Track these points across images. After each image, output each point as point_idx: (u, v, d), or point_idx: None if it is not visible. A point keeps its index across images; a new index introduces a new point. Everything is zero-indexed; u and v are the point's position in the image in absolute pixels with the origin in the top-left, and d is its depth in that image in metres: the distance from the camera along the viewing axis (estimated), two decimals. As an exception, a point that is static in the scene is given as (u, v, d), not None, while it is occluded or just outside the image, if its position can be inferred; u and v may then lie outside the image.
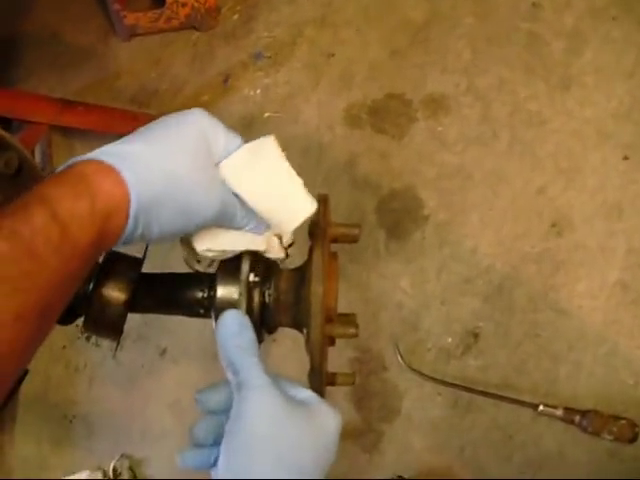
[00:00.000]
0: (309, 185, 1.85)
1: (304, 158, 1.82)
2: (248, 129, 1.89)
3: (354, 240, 0.81)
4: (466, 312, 1.66)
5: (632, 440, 1.49)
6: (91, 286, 0.72)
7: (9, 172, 0.76)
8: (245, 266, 0.73)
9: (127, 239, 0.59)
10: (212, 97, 1.94)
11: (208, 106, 1.94)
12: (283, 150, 0.70)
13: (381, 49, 1.84)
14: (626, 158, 1.62)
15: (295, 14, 1.93)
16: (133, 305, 0.75)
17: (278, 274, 0.77)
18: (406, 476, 1.62)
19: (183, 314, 0.79)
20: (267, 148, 0.70)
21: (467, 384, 1.62)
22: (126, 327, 2.04)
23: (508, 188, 1.68)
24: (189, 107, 1.92)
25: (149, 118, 1.92)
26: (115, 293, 0.74)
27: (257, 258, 0.75)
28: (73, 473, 1.79)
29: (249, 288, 0.73)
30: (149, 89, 2.01)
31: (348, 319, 0.95)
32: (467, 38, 1.78)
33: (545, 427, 1.57)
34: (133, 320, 2.00)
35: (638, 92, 1.64)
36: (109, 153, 0.59)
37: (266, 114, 1.89)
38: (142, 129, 0.64)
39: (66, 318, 0.73)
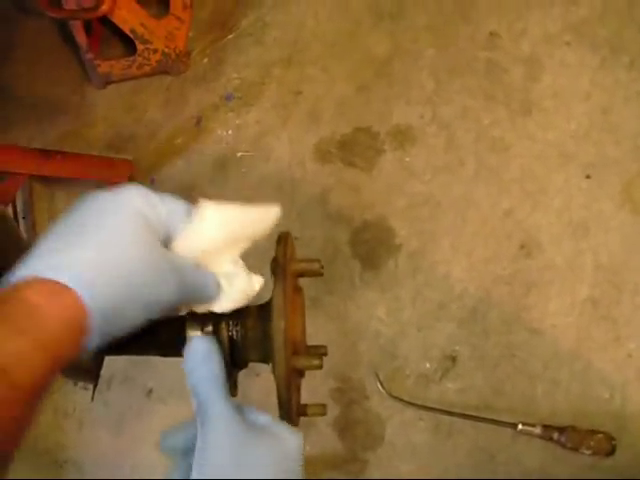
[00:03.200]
0: (285, 221, 1.88)
1: (278, 195, 1.86)
2: (222, 169, 1.93)
3: (318, 274, 0.84)
4: (442, 337, 1.69)
5: (610, 453, 1.52)
6: None
7: None
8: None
9: (91, 351, 0.55)
10: (186, 140, 1.99)
11: (182, 149, 1.99)
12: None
13: (347, 85, 1.89)
14: (588, 177, 1.66)
15: (262, 55, 1.98)
16: (109, 350, 0.77)
17: (245, 311, 0.80)
18: (393, 503, 1.64)
19: (157, 354, 0.81)
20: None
21: (447, 408, 1.64)
22: (112, 368, 2.06)
23: (476, 213, 1.72)
24: (164, 151, 1.96)
25: (125, 164, 1.98)
26: None
27: None
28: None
29: (215, 327, 0.76)
30: (125, 135, 2.06)
31: (317, 350, 0.98)
32: (429, 69, 1.83)
33: (525, 446, 1.59)
34: (119, 361, 2.02)
35: (595, 113, 1.69)
36: (52, 267, 0.53)
37: (239, 154, 1.93)
38: (71, 224, 0.57)
39: None
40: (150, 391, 1.87)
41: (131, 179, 2.00)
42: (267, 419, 0.67)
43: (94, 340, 0.54)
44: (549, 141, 1.71)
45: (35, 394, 0.50)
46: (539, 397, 1.61)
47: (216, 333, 0.76)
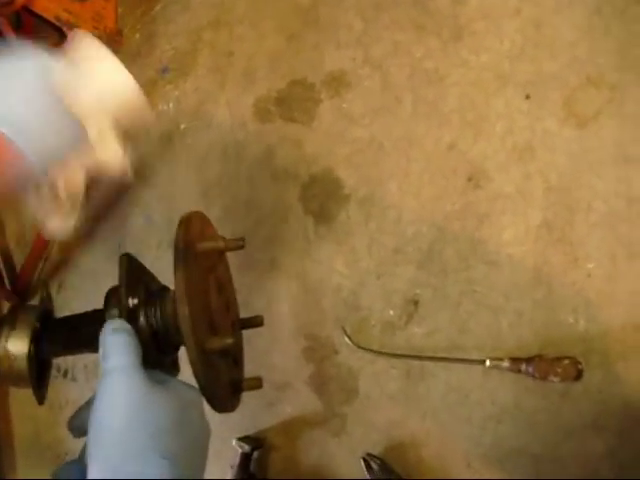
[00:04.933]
0: (234, 185, 1.85)
1: (224, 161, 1.83)
2: (169, 144, 1.91)
3: (234, 249, 0.83)
4: (402, 282, 1.65)
5: (577, 377, 1.47)
6: None
7: None
8: (122, 295, 0.76)
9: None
10: (130, 120, 1.96)
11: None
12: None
13: (277, 38, 1.83)
14: (528, 97, 1.59)
15: (191, 21, 1.94)
16: (42, 353, 0.77)
17: (164, 297, 0.79)
18: (375, 453, 1.63)
19: (87, 351, 0.81)
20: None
21: (416, 353, 1.62)
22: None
23: (420, 151, 1.66)
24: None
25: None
26: (18, 347, 0.76)
27: (137, 285, 0.78)
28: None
29: (132, 315, 0.75)
30: (72, 123, 2.04)
31: (251, 322, 0.97)
32: (355, 9, 1.76)
33: (497, 381, 1.56)
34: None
35: (527, 28, 1.60)
36: None
37: (182, 126, 1.90)
38: None
39: None
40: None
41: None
42: (167, 377, 0.69)
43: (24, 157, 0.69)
44: (484, 65, 1.63)
45: None
46: (505, 330, 1.57)
47: (135, 321, 0.75)
